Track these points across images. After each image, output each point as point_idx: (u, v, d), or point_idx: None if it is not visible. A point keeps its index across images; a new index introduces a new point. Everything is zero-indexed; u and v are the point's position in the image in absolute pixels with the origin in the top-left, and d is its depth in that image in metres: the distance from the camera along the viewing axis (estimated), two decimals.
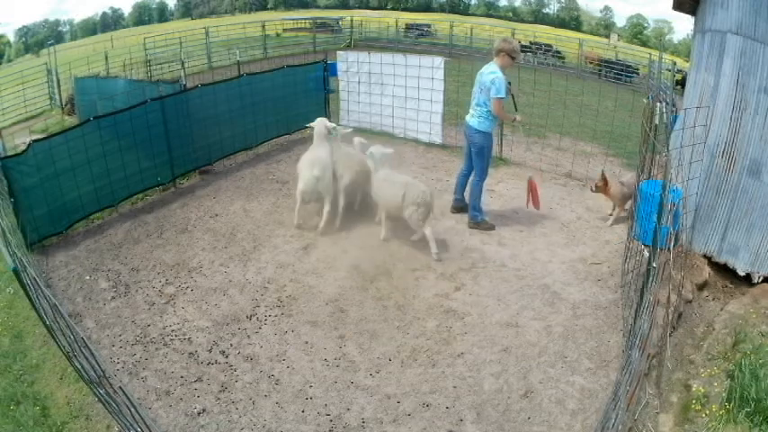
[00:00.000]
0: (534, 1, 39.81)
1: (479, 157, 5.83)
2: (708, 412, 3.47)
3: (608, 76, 19.05)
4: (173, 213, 6.58)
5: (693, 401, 3.58)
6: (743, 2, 4.47)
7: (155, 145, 6.79)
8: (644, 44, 32.91)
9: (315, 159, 5.76)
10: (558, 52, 21.78)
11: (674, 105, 6.54)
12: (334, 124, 6.04)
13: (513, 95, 5.95)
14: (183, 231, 6.15)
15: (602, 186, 5.98)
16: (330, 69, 9.15)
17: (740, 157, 4.62)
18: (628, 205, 6.23)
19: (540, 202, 6.12)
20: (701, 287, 4.85)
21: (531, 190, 6.05)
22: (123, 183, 6.54)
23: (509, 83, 5.64)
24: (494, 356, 4.15)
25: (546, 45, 22.25)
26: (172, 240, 5.95)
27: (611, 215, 6.15)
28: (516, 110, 6.08)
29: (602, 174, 6.02)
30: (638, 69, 19.28)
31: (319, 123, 5.99)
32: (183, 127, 7.13)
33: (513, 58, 5.62)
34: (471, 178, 5.98)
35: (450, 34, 23.08)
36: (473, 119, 5.75)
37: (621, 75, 18.79)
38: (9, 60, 31.54)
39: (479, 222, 5.99)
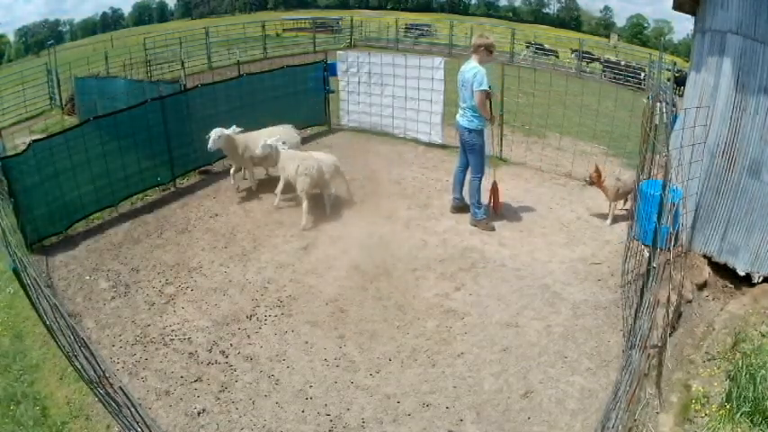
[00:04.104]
0: (534, 1, 39.79)
1: (473, 154, 5.87)
2: (708, 412, 3.48)
3: (607, 76, 18.92)
4: (173, 213, 6.59)
5: (693, 401, 3.58)
6: (743, 2, 4.47)
7: (155, 145, 6.79)
8: (644, 44, 32.87)
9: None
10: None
11: (674, 105, 6.55)
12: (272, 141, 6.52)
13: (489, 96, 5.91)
14: (183, 231, 6.15)
15: (596, 178, 6.08)
16: (330, 69, 9.15)
17: (740, 157, 4.62)
18: (621, 205, 6.26)
19: (500, 205, 6.28)
20: (701, 287, 4.85)
21: (494, 193, 6.23)
22: (123, 183, 6.55)
23: (490, 86, 5.71)
24: (494, 356, 4.15)
25: (591, 55, 21.83)
26: (172, 240, 5.96)
27: (608, 214, 6.19)
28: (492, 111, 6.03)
29: (596, 166, 6.16)
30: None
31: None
32: (183, 127, 7.13)
33: (491, 53, 5.73)
34: (469, 176, 5.99)
35: (450, 34, 23.06)
36: (462, 118, 5.83)
37: (626, 77, 18.56)
38: (9, 60, 31.51)
39: (479, 220, 5.99)
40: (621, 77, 18.43)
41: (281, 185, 6.50)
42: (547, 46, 22.81)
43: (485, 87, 5.60)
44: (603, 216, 6.23)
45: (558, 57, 21.92)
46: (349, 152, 8.43)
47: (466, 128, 5.80)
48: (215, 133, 6.49)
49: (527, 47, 22.01)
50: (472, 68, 5.64)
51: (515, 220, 6.22)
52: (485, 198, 6.11)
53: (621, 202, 6.27)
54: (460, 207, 6.31)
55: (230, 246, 5.79)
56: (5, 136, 10.17)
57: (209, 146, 6.49)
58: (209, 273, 5.32)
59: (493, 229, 5.97)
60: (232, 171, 7.13)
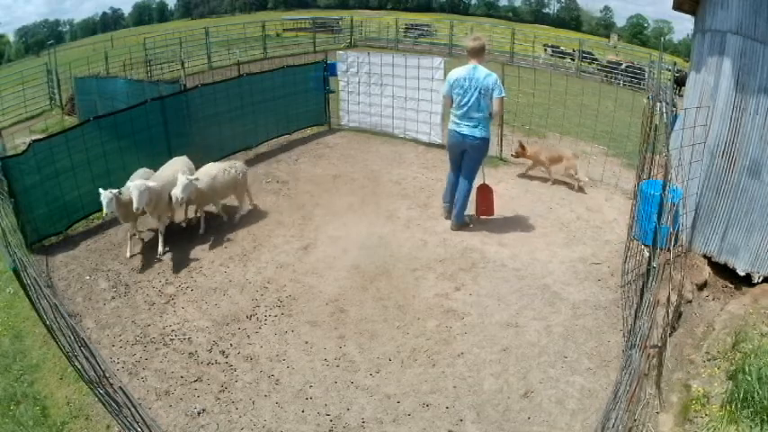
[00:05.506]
0: (534, 1, 39.84)
1: (478, 162, 5.75)
2: (708, 412, 3.48)
3: (609, 77, 18.85)
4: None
5: (693, 401, 3.58)
6: (743, 2, 4.47)
7: (155, 145, 6.79)
8: (644, 44, 32.93)
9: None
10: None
11: (674, 105, 6.58)
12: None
13: None
14: (183, 231, 6.14)
15: (521, 152, 7.16)
16: (330, 69, 9.15)
17: (740, 157, 4.62)
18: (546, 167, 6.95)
19: (493, 209, 6.12)
20: (701, 287, 4.85)
21: (483, 197, 6.07)
22: (123, 183, 6.52)
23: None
24: (494, 356, 4.15)
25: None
26: (172, 240, 5.95)
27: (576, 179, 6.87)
28: None
29: (519, 142, 7.26)
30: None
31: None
32: (183, 127, 7.13)
33: (485, 52, 5.66)
34: (462, 182, 5.85)
35: (450, 34, 23.05)
36: (475, 129, 5.51)
37: (625, 77, 18.45)
38: (9, 60, 31.55)
39: (463, 224, 5.96)
40: (621, 78, 18.39)
41: (219, 206, 6.25)
42: (563, 48, 22.41)
43: (504, 93, 5.51)
44: (603, 216, 6.24)
45: (573, 60, 21.25)
46: (349, 152, 8.45)
47: (481, 137, 5.55)
48: (137, 188, 5.08)
49: (545, 49, 21.77)
50: (489, 75, 5.38)
51: (515, 220, 6.22)
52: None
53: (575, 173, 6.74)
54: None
55: (230, 246, 5.79)
56: (5, 136, 10.18)
57: (134, 206, 5.12)
58: (209, 273, 5.32)
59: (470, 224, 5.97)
60: (131, 234, 5.73)
